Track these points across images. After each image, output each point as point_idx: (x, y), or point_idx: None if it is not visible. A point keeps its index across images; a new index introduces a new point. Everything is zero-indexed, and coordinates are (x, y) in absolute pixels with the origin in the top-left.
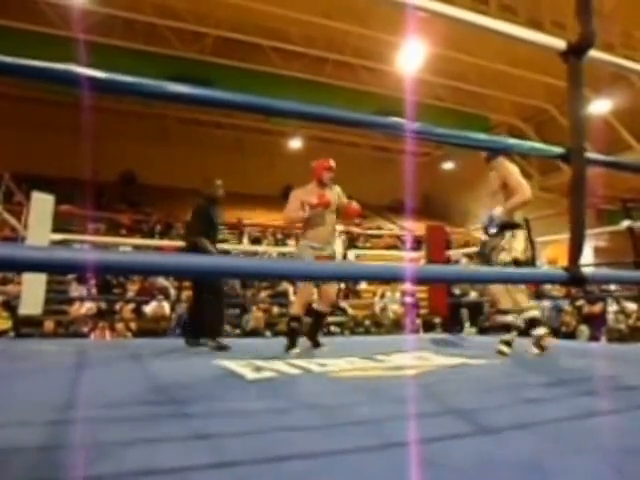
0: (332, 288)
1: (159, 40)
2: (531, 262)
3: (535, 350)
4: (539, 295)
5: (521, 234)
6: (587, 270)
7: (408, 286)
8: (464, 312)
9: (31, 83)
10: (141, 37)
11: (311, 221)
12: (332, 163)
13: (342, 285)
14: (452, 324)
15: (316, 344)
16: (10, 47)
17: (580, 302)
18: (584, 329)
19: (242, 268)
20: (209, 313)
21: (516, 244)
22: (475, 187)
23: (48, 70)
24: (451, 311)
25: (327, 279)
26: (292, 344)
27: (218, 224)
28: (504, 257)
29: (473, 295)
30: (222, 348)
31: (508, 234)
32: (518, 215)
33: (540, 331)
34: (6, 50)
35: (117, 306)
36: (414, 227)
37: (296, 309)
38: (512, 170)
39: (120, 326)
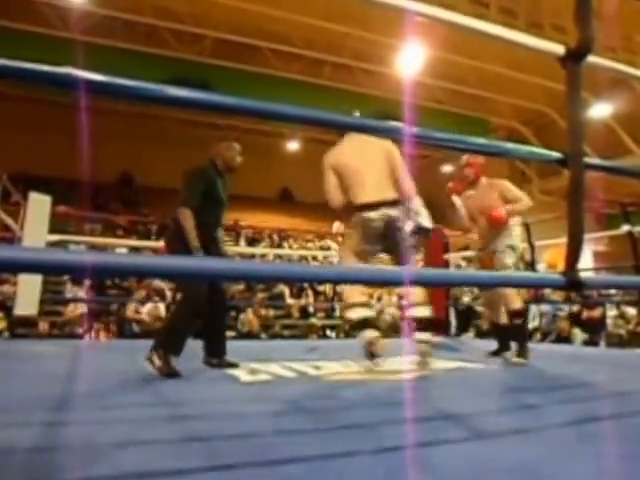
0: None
1: (158, 42)
2: (530, 266)
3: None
4: (539, 299)
5: None
6: (584, 275)
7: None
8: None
9: (30, 84)
10: (140, 39)
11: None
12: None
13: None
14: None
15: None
16: (9, 48)
17: (575, 306)
18: (577, 332)
19: (239, 271)
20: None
21: None
22: None
23: (48, 74)
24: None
25: (324, 282)
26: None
27: (224, 205)
28: None
29: (465, 300)
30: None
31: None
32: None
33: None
34: (5, 51)
35: (113, 307)
36: None
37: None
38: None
39: (115, 327)
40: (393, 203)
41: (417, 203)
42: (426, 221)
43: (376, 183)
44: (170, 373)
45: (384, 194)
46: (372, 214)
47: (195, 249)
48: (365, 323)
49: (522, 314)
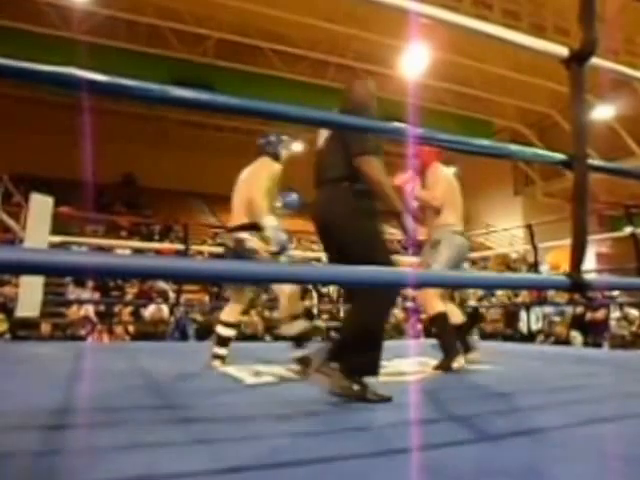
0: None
1: (161, 42)
2: (534, 267)
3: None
4: (542, 301)
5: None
6: (589, 276)
7: (409, 290)
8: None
9: (32, 85)
10: (143, 39)
11: None
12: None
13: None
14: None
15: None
16: (10, 48)
17: (578, 308)
18: (576, 335)
19: (243, 272)
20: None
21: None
22: (477, 192)
23: (51, 74)
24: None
25: (326, 283)
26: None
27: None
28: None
29: (472, 302)
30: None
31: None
32: None
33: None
34: (6, 51)
35: (115, 309)
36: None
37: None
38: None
39: (118, 329)
40: (245, 227)
41: (268, 225)
42: (274, 245)
43: (235, 209)
44: (380, 398)
45: (239, 219)
46: (229, 237)
47: (402, 207)
48: (224, 341)
49: (442, 319)
